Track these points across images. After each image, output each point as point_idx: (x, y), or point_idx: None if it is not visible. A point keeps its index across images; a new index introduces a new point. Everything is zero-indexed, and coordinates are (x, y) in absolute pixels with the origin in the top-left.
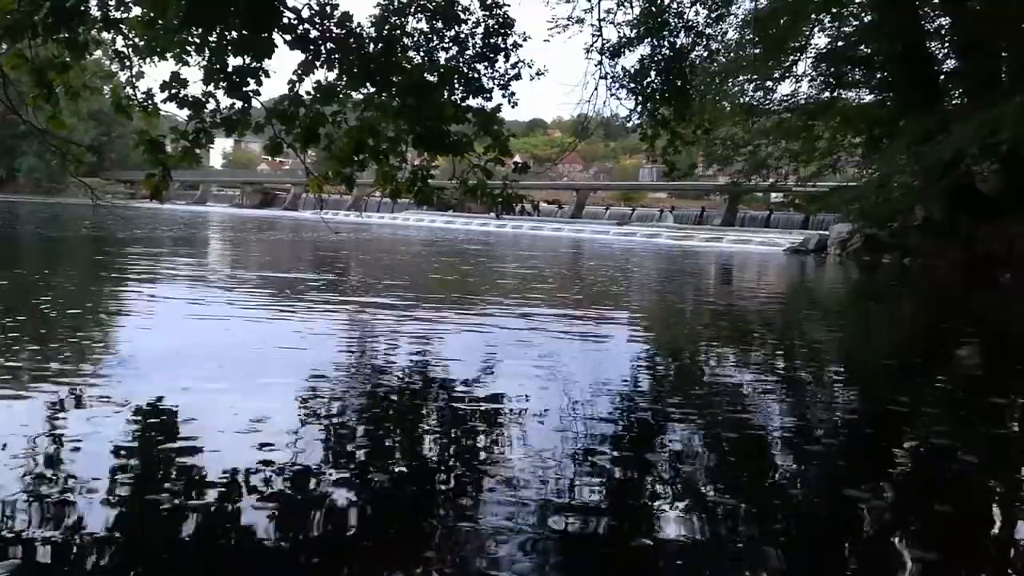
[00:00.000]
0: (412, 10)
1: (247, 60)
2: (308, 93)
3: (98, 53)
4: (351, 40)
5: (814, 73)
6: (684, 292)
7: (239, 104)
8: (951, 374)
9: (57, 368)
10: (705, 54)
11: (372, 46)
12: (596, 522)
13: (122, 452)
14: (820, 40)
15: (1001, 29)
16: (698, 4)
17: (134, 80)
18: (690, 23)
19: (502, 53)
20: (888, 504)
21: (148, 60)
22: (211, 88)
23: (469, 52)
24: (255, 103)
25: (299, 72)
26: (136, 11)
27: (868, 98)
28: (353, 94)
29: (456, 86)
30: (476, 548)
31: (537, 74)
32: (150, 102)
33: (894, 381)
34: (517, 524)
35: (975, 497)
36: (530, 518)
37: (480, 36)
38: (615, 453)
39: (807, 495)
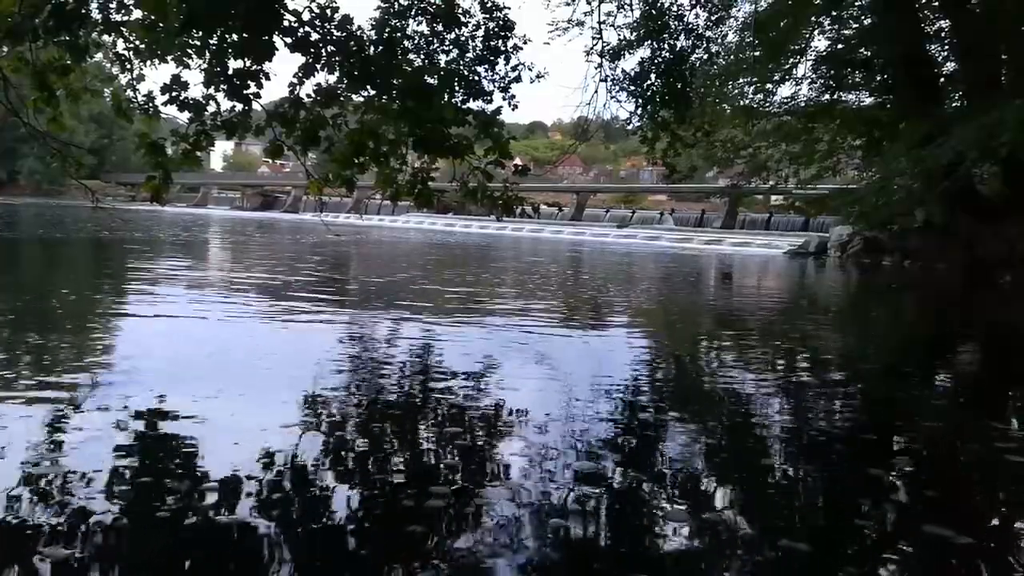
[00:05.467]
0: (412, 13)
1: (248, 63)
2: (308, 96)
3: (99, 56)
4: (351, 43)
5: (814, 76)
6: (685, 295)
7: (240, 107)
8: (952, 377)
9: (55, 371)
10: (705, 57)
11: (372, 49)
12: (597, 532)
13: (121, 455)
14: (820, 43)
15: (1001, 32)
16: (698, 7)
17: (135, 83)
18: (690, 26)
19: (502, 56)
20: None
21: (149, 63)
22: (212, 91)
23: (469, 55)
24: (256, 106)
25: (300, 75)
26: (137, 14)
27: (868, 101)
28: (353, 97)
29: (456, 89)
30: (476, 556)
31: (537, 77)
32: (151, 105)
33: (896, 385)
34: (516, 532)
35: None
36: (530, 526)
37: (480, 39)
38: (616, 460)
39: (817, 513)
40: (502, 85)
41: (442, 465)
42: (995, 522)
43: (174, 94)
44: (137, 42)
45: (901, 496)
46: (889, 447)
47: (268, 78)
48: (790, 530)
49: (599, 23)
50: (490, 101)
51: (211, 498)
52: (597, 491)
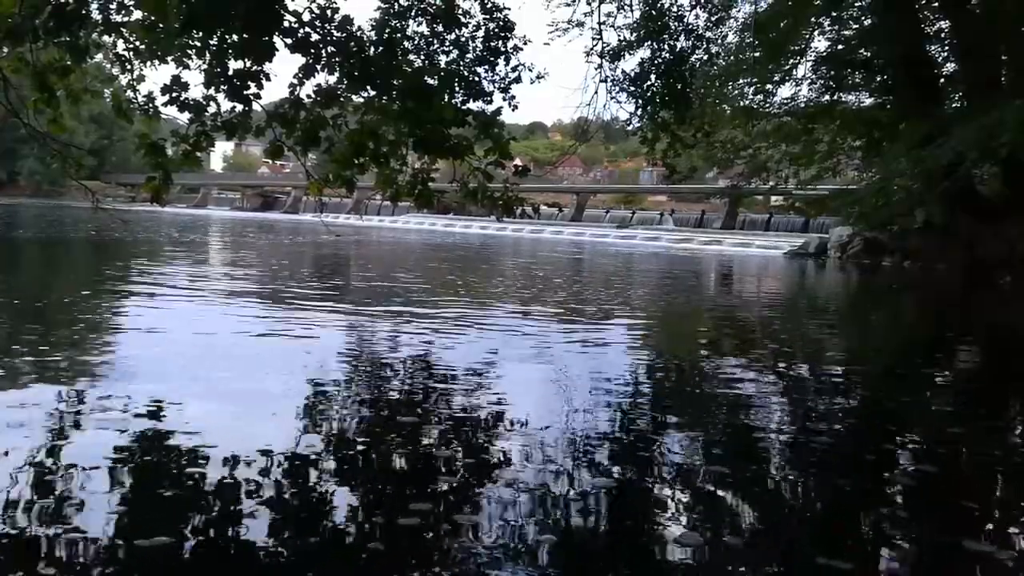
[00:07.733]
0: (412, 13)
1: (248, 64)
2: (309, 96)
3: (99, 57)
4: (352, 43)
5: (814, 76)
6: (685, 297)
7: (240, 107)
8: (959, 380)
9: (55, 369)
10: (705, 57)
11: (372, 49)
12: (598, 536)
13: (120, 456)
14: (820, 43)
15: (1001, 32)
16: (698, 7)
17: (135, 83)
18: (690, 26)
19: (502, 56)
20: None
21: (149, 63)
22: (212, 91)
23: (469, 55)
24: (256, 106)
25: (300, 75)
26: (137, 15)
27: (868, 101)
28: (353, 97)
29: (456, 89)
30: (475, 559)
31: (537, 77)
32: (151, 105)
33: (903, 388)
34: (517, 537)
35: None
36: (531, 531)
37: (480, 39)
38: (617, 464)
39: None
40: (502, 86)
41: (433, 473)
42: None
43: (174, 95)
44: (137, 43)
45: (935, 509)
46: (909, 455)
47: (268, 79)
48: (828, 547)
49: (599, 24)
50: (490, 102)
51: (205, 501)
52: (598, 499)
